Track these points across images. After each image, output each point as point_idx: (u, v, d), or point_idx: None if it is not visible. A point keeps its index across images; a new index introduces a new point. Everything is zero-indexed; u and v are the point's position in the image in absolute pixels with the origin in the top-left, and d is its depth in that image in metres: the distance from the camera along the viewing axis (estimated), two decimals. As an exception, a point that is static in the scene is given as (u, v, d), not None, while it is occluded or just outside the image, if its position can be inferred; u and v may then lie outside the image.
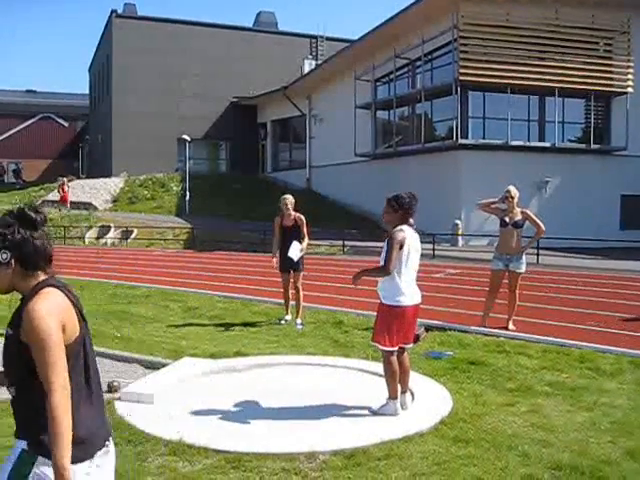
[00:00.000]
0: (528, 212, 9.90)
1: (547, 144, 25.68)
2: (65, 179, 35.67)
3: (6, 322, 2.49)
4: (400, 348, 5.90)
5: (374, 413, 5.85)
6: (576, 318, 10.49)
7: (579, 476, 4.51)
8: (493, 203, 10.00)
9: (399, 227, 5.78)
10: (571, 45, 24.92)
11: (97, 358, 7.59)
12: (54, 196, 37.84)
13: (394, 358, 5.83)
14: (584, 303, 11.94)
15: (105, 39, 43.99)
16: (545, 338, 8.97)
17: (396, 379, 5.84)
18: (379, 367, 6.71)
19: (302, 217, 10.45)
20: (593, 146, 25.86)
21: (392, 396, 5.84)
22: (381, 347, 5.84)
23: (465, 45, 24.41)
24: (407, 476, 4.50)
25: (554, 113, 25.54)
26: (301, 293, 10.46)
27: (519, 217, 9.71)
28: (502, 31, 24.38)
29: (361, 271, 5.99)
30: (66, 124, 58.58)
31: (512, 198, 9.68)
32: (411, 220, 5.89)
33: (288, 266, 10.41)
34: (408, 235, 5.75)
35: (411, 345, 6.04)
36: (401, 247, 5.68)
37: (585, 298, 12.54)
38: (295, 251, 10.12)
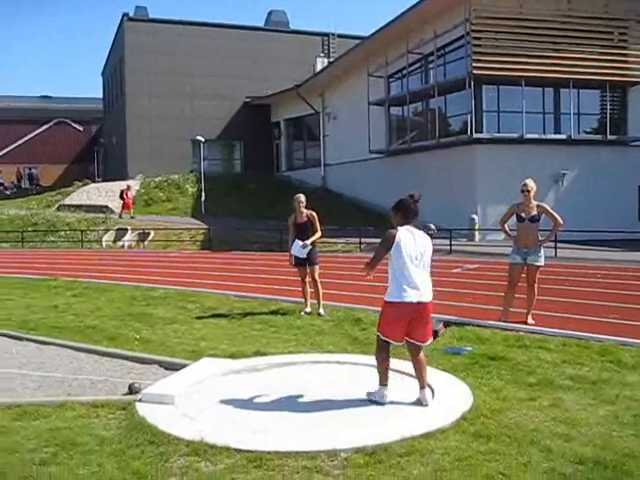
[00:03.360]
0: (545, 206, 9.84)
1: (563, 136, 25.52)
2: (127, 184, 35.28)
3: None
4: (411, 344, 6.02)
5: (368, 398, 6.09)
6: (596, 311, 10.42)
7: (602, 470, 4.47)
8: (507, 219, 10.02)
9: (397, 228, 6.00)
10: (585, 35, 24.77)
11: (117, 360, 7.69)
12: (70, 200, 38.08)
13: (384, 346, 6.06)
14: (603, 296, 11.86)
15: (117, 42, 44.21)
16: (565, 332, 8.90)
17: (382, 367, 6.08)
18: (399, 364, 6.71)
19: (314, 214, 11.06)
20: (609, 137, 25.68)
21: (380, 382, 6.10)
22: (377, 332, 6.12)
23: (478, 39, 24.32)
24: (429, 472, 4.49)
25: (569, 105, 25.39)
26: (319, 285, 10.99)
27: (535, 211, 9.65)
28: (515, 23, 24.29)
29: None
30: (81, 128, 58.97)
31: (528, 192, 9.62)
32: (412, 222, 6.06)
33: (302, 261, 10.97)
34: (403, 235, 5.92)
35: (427, 343, 6.08)
36: (388, 247, 5.92)
37: (604, 290, 12.46)
38: (298, 249, 10.79)
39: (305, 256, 10.82)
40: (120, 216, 33.28)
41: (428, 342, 6.09)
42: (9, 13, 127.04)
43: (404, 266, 5.86)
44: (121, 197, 34.08)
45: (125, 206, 33.49)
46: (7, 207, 37.27)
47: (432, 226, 6.41)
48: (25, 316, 11.33)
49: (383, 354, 6.09)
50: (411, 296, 5.85)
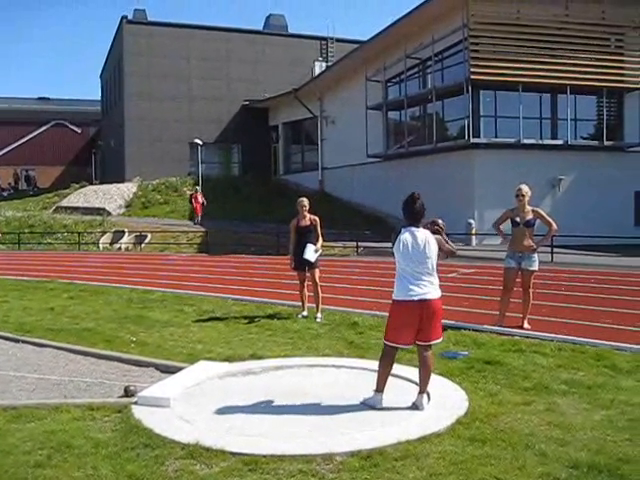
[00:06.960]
0: (539, 211, 9.87)
1: (560, 142, 25.57)
2: (196, 188, 33.59)
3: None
4: (419, 346, 6.00)
5: (362, 403, 6.06)
6: (591, 316, 10.43)
7: (597, 474, 4.48)
8: (501, 222, 10.11)
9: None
10: (582, 42, 24.82)
11: (114, 363, 7.68)
12: (68, 202, 38.05)
13: (390, 353, 6.04)
14: (599, 301, 11.86)
15: (116, 45, 44.23)
16: (560, 336, 8.91)
17: (383, 373, 6.04)
18: (396, 368, 6.72)
19: (317, 218, 11.12)
20: (606, 143, 25.71)
21: (376, 388, 6.06)
22: (384, 340, 6.12)
23: (476, 44, 24.36)
24: (424, 476, 4.50)
25: (566, 110, 25.45)
26: (319, 288, 10.99)
27: (530, 216, 9.69)
28: (512, 29, 24.34)
29: None
30: (79, 130, 59.00)
31: (523, 197, 9.66)
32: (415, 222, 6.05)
33: (304, 264, 10.95)
34: (403, 235, 5.97)
35: (433, 342, 6.02)
36: (393, 247, 6.02)
37: (600, 296, 12.46)
38: (310, 253, 10.75)
39: (314, 260, 10.84)
40: (194, 222, 31.56)
41: (434, 341, 6.02)
42: (8, 14, 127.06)
43: (404, 264, 5.92)
44: (190, 202, 32.79)
45: (196, 210, 31.88)
46: (4, 209, 37.23)
47: (440, 221, 6.35)
48: (21, 318, 11.32)
49: (388, 360, 6.06)
50: (414, 294, 5.85)
